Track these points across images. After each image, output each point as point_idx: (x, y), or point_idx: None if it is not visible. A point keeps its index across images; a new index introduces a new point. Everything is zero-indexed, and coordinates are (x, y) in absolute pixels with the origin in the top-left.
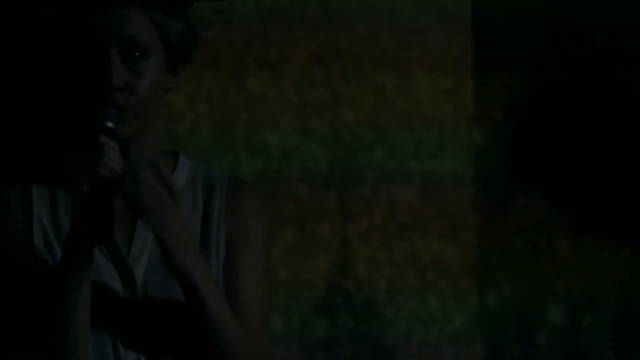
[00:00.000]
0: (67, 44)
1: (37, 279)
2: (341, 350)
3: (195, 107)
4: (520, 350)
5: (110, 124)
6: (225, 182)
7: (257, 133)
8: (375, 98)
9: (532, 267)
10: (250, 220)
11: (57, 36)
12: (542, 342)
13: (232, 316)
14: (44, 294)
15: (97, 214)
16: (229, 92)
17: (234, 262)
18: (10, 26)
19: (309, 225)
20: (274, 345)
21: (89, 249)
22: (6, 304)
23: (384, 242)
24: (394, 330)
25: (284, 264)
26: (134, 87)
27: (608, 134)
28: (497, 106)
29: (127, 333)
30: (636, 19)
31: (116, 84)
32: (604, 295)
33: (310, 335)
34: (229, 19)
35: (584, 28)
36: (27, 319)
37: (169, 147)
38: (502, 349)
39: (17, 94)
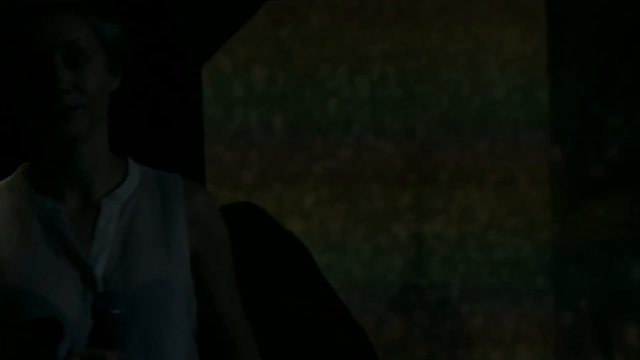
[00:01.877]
0: (8, 54)
1: None
2: (416, 348)
3: (269, 107)
4: (597, 347)
5: (116, 311)
6: (180, 185)
7: (330, 132)
8: (449, 96)
9: (608, 266)
10: (216, 231)
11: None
12: (619, 342)
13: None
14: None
15: None
16: (303, 91)
17: (211, 279)
18: None
19: (383, 224)
20: None
21: None
22: None
23: (458, 240)
24: (469, 328)
25: (358, 263)
26: (82, 86)
27: None
28: (571, 107)
29: (86, 329)
30: None
31: (63, 87)
32: None
33: (385, 333)
34: (302, 18)
35: None
36: None
37: (244, 146)
38: (578, 349)
39: None
